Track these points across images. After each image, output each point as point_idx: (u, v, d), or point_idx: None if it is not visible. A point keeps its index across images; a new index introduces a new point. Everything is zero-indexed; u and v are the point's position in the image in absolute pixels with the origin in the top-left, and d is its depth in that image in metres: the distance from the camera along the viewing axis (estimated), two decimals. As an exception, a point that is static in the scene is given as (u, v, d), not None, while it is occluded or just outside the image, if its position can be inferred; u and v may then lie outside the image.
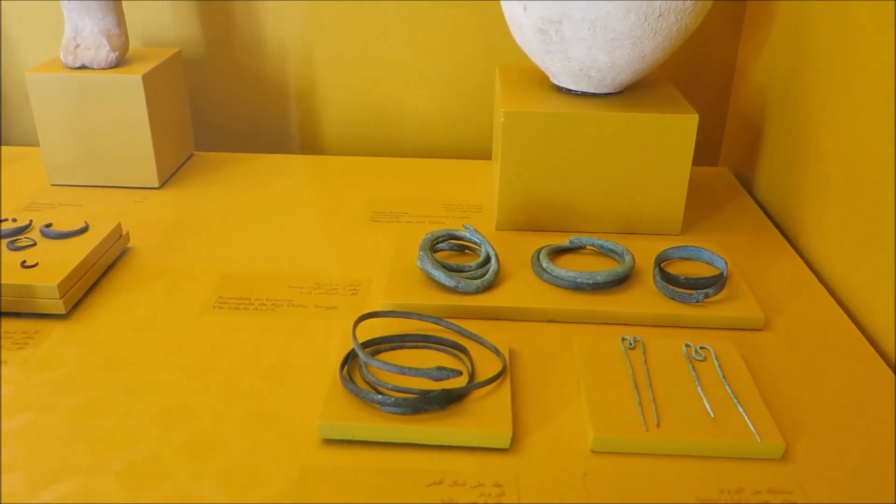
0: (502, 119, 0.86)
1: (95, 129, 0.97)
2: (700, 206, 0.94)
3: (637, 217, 0.90)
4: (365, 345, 0.65)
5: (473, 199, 0.99)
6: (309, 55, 1.13)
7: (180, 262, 0.83)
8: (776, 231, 0.92)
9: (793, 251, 0.88)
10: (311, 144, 1.18)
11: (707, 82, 1.12)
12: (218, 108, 1.16)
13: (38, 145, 1.12)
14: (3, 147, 1.13)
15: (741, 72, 1.09)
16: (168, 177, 1.03)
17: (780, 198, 0.95)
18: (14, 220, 0.83)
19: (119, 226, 0.84)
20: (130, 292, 0.78)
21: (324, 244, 0.88)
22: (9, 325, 0.72)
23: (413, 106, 1.15)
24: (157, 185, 1.00)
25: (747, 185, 1.04)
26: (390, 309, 0.73)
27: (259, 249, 0.87)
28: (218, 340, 0.71)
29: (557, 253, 0.82)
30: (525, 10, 0.84)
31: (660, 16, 0.81)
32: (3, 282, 0.72)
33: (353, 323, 0.65)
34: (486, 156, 1.11)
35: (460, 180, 1.05)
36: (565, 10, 0.81)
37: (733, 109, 1.12)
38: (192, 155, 1.11)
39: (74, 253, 0.77)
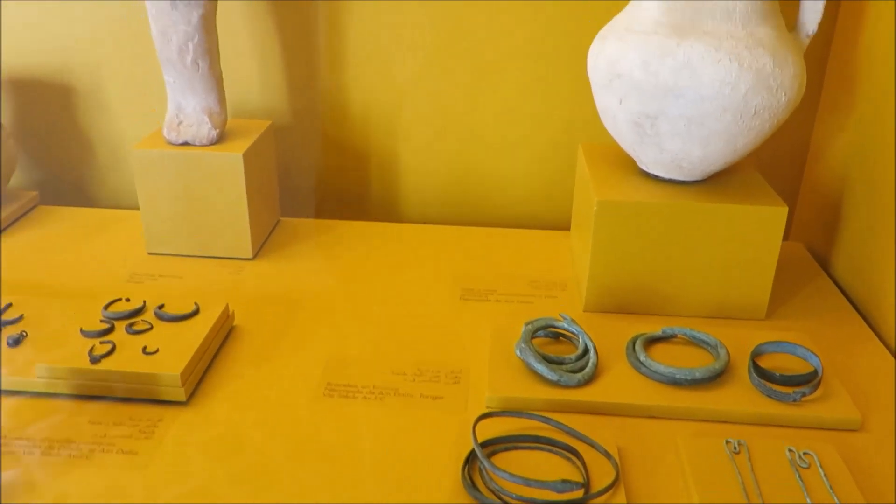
0: (595, 207, 0.89)
1: (194, 201, 1.01)
2: (779, 284, 0.95)
3: (723, 302, 0.92)
4: (482, 445, 0.68)
5: (557, 275, 1.02)
6: (392, 124, 1.16)
7: (284, 343, 0.87)
8: (858, 316, 0.94)
9: (877, 339, 0.89)
10: (391, 211, 1.21)
11: (780, 154, 1.14)
12: (302, 175, 1.20)
13: (128, 206, 1.17)
14: (96, 210, 1.18)
15: (817, 146, 1.11)
16: (260, 246, 1.06)
17: (860, 281, 0.97)
18: (128, 301, 0.87)
19: (227, 307, 0.87)
20: (241, 377, 0.81)
21: (418, 324, 0.91)
22: (131, 411, 0.76)
23: (493, 175, 1.18)
24: (250, 256, 1.04)
25: (823, 262, 1.06)
26: (495, 401, 0.76)
27: (356, 328, 0.90)
28: (331, 432, 0.73)
29: (650, 342, 0.84)
30: (621, 102, 0.87)
31: (755, 114, 0.83)
32: (128, 369, 0.76)
33: (472, 424, 0.68)
34: (563, 225, 1.14)
35: (541, 253, 1.08)
36: (662, 106, 0.84)
37: (807, 184, 1.14)
38: (279, 221, 1.15)
39: (190, 337, 0.81)
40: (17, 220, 1.13)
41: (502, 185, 1.19)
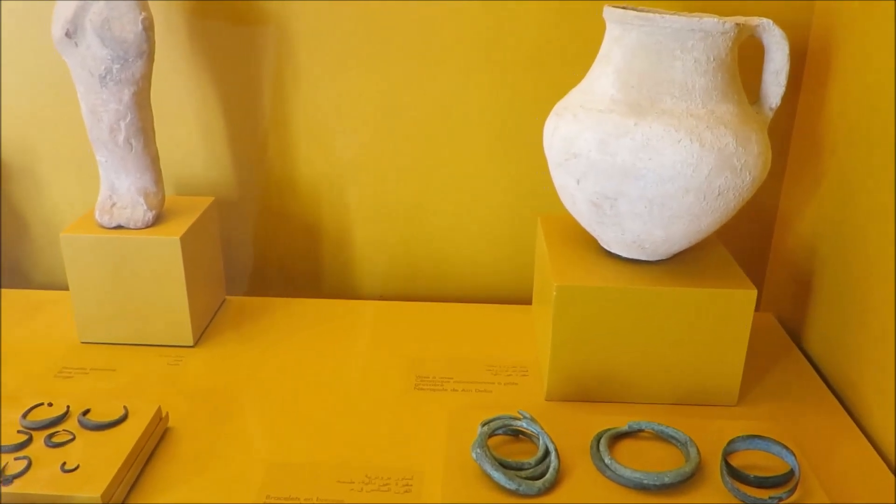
0: (555, 293, 0.84)
1: (130, 287, 0.94)
2: (750, 359, 0.90)
3: (692, 389, 0.87)
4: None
5: (518, 357, 0.96)
6: (341, 196, 1.11)
7: (222, 448, 0.80)
8: (833, 398, 0.89)
9: (853, 425, 0.85)
10: (344, 287, 1.16)
11: (746, 226, 1.10)
12: (249, 250, 1.14)
13: (64, 287, 1.10)
14: (27, 291, 1.11)
15: (784, 215, 1.07)
16: (202, 330, 1.00)
17: (833, 358, 0.92)
18: (50, 405, 0.80)
19: (160, 409, 0.80)
20: (174, 490, 0.74)
21: (368, 419, 0.85)
22: (49, 537, 0.69)
23: (448, 247, 1.13)
24: (191, 344, 0.97)
25: (794, 334, 1.02)
26: (449, 515, 0.70)
27: (301, 426, 0.84)
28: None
29: (615, 439, 0.79)
30: (578, 182, 0.82)
31: (718, 195, 0.79)
32: (43, 492, 0.69)
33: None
34: (524, 298, 1.09)
35: (501, 331, 1.03)
36: (622, 187, 0.79)
37: (776, 254, 1.10)
38: (224, 300, 1.08)
39: (116, 449, 0.74)
40: (-59, 305, 1.06)
41: (458, 257, 1.14)
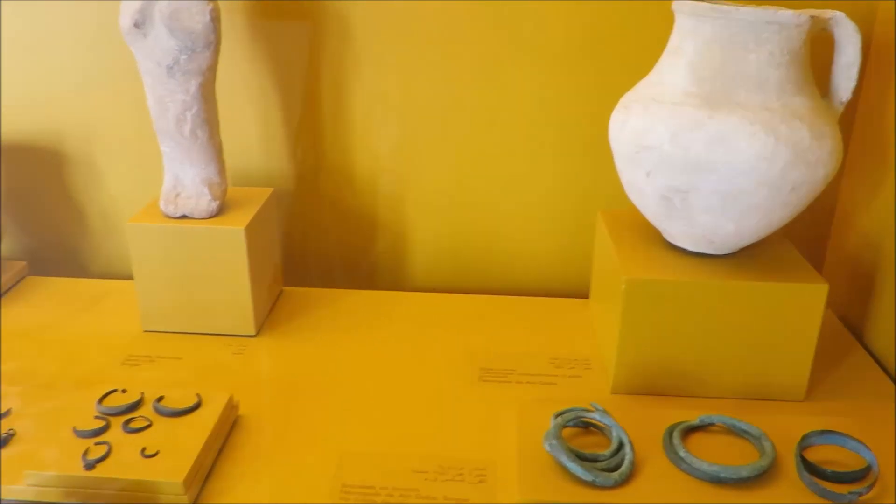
0: (624, 286, 0.84)
1: (193, 276, 0.95)
2: (814, 358, 0.90)
3: (760, 383, 0.87)
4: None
5: (579, 350, 0.96)
6: (400, 189, 1.11)
7: (294, 437, 0.81)
8: (901, 396, 0.89)
9: (924, 422, 0.84)
10: (398, 279, 1.16)
11: (804, 219, 1.09)
12: (306, 242, 1.15)
13: (122, 276, 1.11)
14: (88, 281, 1.12)
15: (844, 212, 1.07)
16: (263, 321, 1.01)
17: (899, 356, 0.92)
18: (124, 392, 0.81)
19: (231, 399, 0.81)
20: (249, 478, 0.75)
21: (437, 410, 0.85)
22: (131, 522, 0.69)
23: (505, 241, 1.13)
24: (253, 333, 0.98)
25: (856, 332, 1.01)
26: (527, 505, 0.70)
27: (370, 417, 0.84)
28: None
29: (687, 432, 0.79)
30: (648, 175, 0.82)
31: (792, 189, 0.79)
32: (126, 476, 0.70)
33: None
34: (579, 292, 1.09)
35: (560, 324, 1.02)
36: (694, 181, 0.79)
37: (835, 251, 1.09)
38: (282, 291, 1.09)
39: (193, 436, 0.75)
40: (6, 292, 1.07)
41: (514, 251, 1.14)
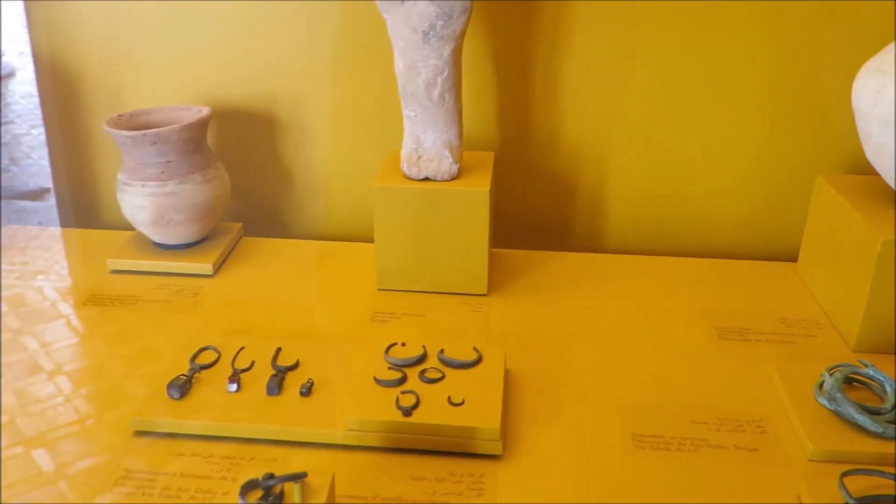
0: (880, 248, 0.86)
1: (432, 237, 0.98)
2: None
3: None
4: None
5: (802, 311, 0.99)
6: (602, 153, 1.14)
7: (563, 389, 0.84)
8: None
9: None
10: (595, 243, 1.19)
11: None
12: (509, 204, 1.18)
13: (325, 238, 1.15)
14: (301, 241, 1.16)
15: None
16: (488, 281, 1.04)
17: None
18: (404, 345, 0.85)
19: (503, 354, 0.85)
20: (537, 426, 0.79)
21: (691, 366, 0.88)
22: (449, 465, 0.73)
23: (701, 204, 1.15)
24: (485, 293, 1.01)
25: None
26: (819, 455, 0.73)
27: (628, 370, 0.87)
28: (652, 485, 0.71)
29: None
30: (907, 139, 0.84)
31: None
32: (445, 423, 0.74)
33: (839, 480, 0.66)
34: (775, 255, 1.12)
35: (775, 287, 1.05)
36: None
37: None
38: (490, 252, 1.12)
39: (488, 386, 0.79)
40: (228, 253, 1.11)
41: (711, 214, 1.16)
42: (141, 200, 1.03)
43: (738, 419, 0.80)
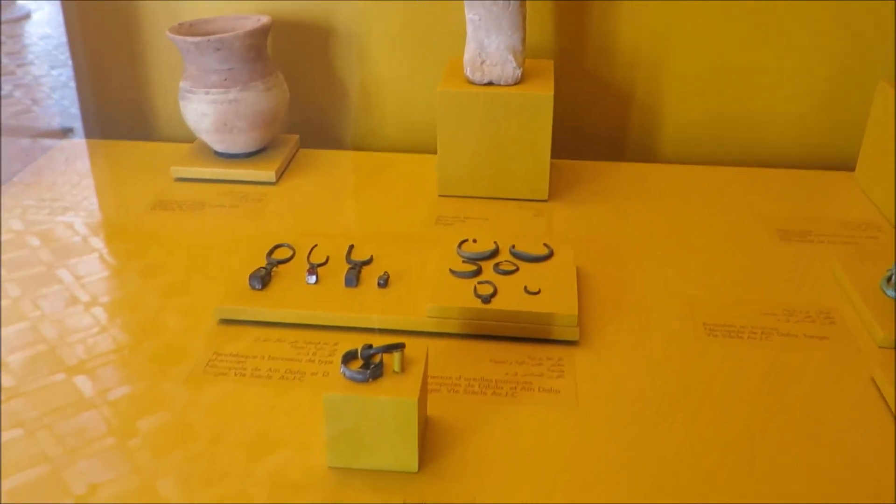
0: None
1: (494, 142, 0.99)
2: None
3: None
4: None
5: (861, 216, 1.00)
6: (659, 63, 1.13)
7: (633, 285, 0.86)
8: None
9: None
10: (648, 153, 1.19)
11: None
12: (563, 113, 1.18)
13: (379, 149, 1.16)
14: (359, 153, 1.17)
15: None
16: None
17: None
18: (475, 242, 0.86)
19: (572, 250, 0.86)
20: (612, 317, 0.81)
21: (754, 263, 0.90)
22: (528, 350, 0.76)
23: (760, 114, 1.15)
24: (545, 198, 1.02)
25: None
26: (889, 342, 0.75)
27: (694, 268, 0.89)
28: (722, 371, 0.73)
29: None
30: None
31: None
32: (524, 309, 0.76)
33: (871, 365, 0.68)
34: (839, 166, 1.12)
35: (827, 194, 1.06)
36: None
37: None
38: (548, 163, 1.13)
39: (562, 278, 0.80)
40: (288, 163, 1.13)
41: (770, 124, 1.16)
42: (204, 108, 1.04)
43: (806, 311, 0.82)
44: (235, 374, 0.73)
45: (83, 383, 0.71)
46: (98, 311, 0.82)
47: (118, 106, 1.25)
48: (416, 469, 0.62)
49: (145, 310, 0.82)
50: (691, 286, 0.86)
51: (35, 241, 0.94)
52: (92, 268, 0.89)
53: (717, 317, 0.81)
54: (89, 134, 1.27)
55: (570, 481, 0.62)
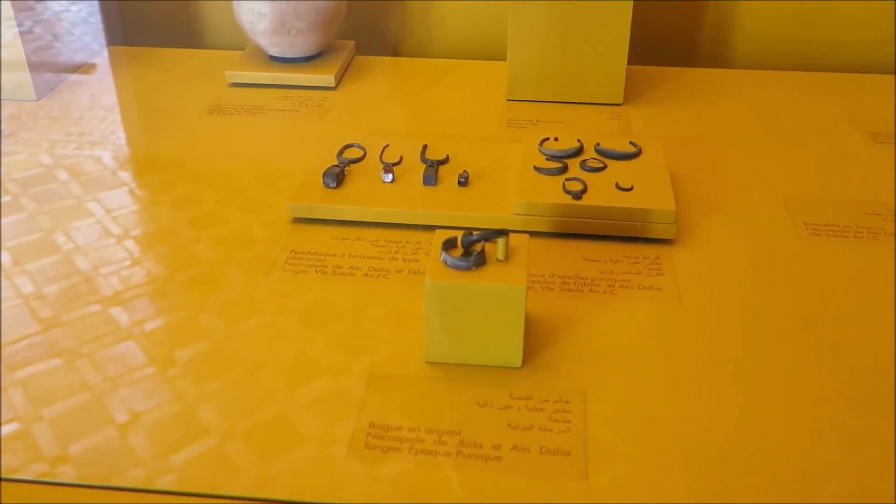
0: None
1: (565, 47, 0.94)
2: None
3: None
4: None
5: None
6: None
7: (725, 184, 0.82)
8: None
9: None
10: (719, 57, 1.13)
11: None
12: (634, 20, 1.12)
13: (435, 56, 1.12)
14: (416, 60, 1.12)
15: None
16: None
17: None
18: (556, 140, 0.82)
19: (661, 146, 0.82)
20: (703, 215, 0.77)
21: (854, 164, 0.86)
22: (623, 249, 0.72)
23: (835, 18, 1.09)
24: (620, 102, 0.98)
25: None
26: None
27: (787, 170, 0.84)
28: (823, 270, 0.70)
29: None
30: None
31: None
32: (613, 204, 0.72)
33: None
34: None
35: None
36: None
37: None
38: (620, 68, 1.08)
39: (653, 175, 0.76)
40: (346, 68, 1.08)
41: (844, 28, 1.10)
42: (261, 7, 0.99)
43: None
44: (315, 272, 0.69)
45: (174, 290, 0.68)
46: (166, 211, 0.78)
47: (160, 11, 1.20)
48: (519, 364, 0.59)
49: (212, 208, 0.79)
50: (786, 186, 0.81)
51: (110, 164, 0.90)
52: (155, 178, 0.85)
53: (818, 216, 0.76)
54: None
55: (679, 375, 0.59)
